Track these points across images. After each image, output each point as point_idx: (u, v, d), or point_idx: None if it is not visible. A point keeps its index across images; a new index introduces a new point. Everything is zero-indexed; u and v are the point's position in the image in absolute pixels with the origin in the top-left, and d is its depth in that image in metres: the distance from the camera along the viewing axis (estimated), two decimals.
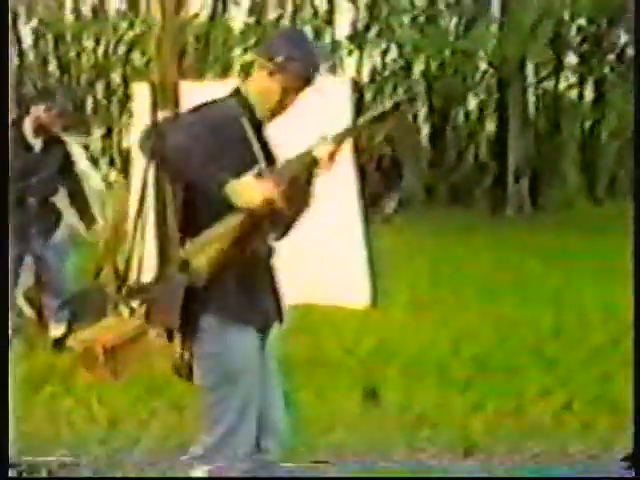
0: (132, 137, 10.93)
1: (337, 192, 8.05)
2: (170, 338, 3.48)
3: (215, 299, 3.32)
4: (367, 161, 21.49)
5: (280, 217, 3.37)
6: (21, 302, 8.86)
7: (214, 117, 3.32)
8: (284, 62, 3.37)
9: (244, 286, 3.36)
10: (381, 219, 20.34)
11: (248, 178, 3.21)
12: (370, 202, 21.11)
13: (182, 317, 3.31)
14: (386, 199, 21.50)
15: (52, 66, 30.07)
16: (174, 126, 3.40)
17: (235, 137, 3.33)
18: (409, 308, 8.92)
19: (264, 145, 3.45)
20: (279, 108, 3.46)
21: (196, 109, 3.40)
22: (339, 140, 3.37)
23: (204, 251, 3.26)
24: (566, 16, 23.27)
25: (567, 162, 30.94)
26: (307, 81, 3.43)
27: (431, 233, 16.78)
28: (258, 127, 3.44)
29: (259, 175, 3.26)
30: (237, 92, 3.46)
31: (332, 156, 3.34)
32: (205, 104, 3.40)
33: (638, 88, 9.31)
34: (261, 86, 3.43)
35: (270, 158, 3.45)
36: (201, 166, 3.17)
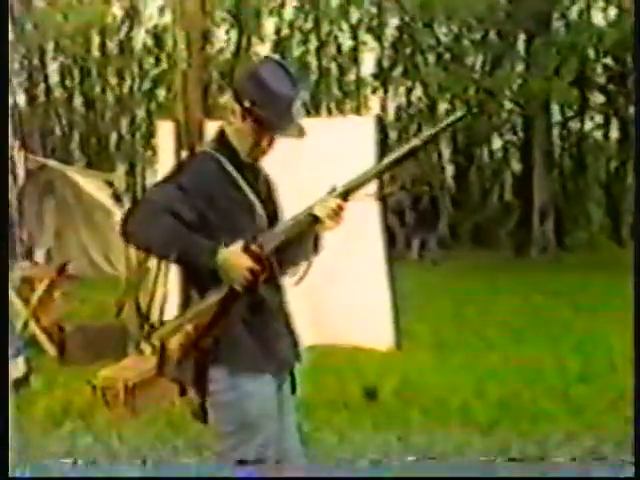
0: (156, 174, 11.01)
1: (361, 233, 8.10)
2: (183, 392, 3.43)
3: (225, 350, 3.28)
4: (402, 201, 21.65)
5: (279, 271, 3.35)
6: (42, 338, 8.94)
7: (196, 174, 3.26)
8: (250, 107, 3.29)
9: (255, 333, 3.32)
10: (430, 261, 20.49)
11: (235, 250, 3.16)
12: (406, 244, 21.39)
13: (194, 370, 3.28)
14: (423, 240, 21.60)
15: (77, 102, 30.30)
16: (150, 204, 3.26)
17: (223, 185, 3.29)
18: (433, 350, 8.91)
19: (256, 185, 3.40)
20: (257, 151, 3.38)
21: (177, 169, 3.40)
22: (347, 192, 3.28)
23: (175, 335, 3.24)
24: (591, 54, 23.29)
25: (592, 203, 30.88)
26: (275, 128, 3.32)
27: (455, 274, 16.77)
28: (247, 168, 3.38)
29: (251, 240, 3.21)
30: (222, 134, 3.40)
31: (336, 213, 3.26)
32: (185, 161, 3.44)
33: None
34: (236, 128, 3.36)
35: (265, 198, 3.43)
36: (188, 238, 3.14)
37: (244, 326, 3.30)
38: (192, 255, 3.16)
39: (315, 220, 3.27)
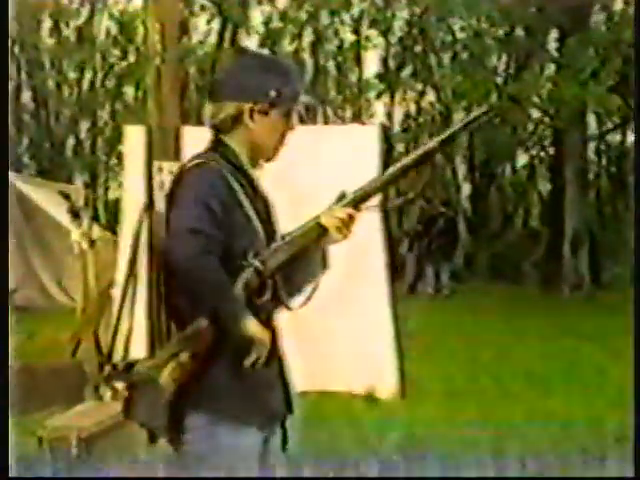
0: (122, 189, 11.07)
1: (362, 263, 8.18)
2: (153, 439, 3.50)
3: (205, 394, 3.33)
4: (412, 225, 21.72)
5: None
6: None
7: (213, 188, 3.33)
8: (275, 98, 3.46)
9: (241, 379, 3.34)
10: (441, 295, 20.55)
11: (255, 325, 3.24)
12: (413, 275, 21.41)
13: (168, 415, 3.31)
14: (436, 271, 21.66)
15: (26, 97, 30.21)
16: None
17: (228, 200, 3.36)
18: (442, 400, 8.95)
19: (258, 204, 3.49)
20: (275, 150, 3.55)
21: (190, 184, 3.38)
22: (357, 201, 3.41)
23: (168, 365, 3.27)
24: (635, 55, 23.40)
25: (634, 231, 30.91)
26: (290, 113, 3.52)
27: (470, 311, 16.82)
28: (248, 183, 3.48)
29: (254, 256, 3.33)
30: (220, 143, 3.50)
31: (345, 223, 3.39)
32: (190, 173, 3.39)
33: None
34: (244, 133, 3.48)
35: (266, 218, 3.50)
36: (226, 296, 3.22)
37: (229, 369, 3.33)
38: (221, 306, 3.22)
39: (322, 231, 3.39)
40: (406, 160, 3.47)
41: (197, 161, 3.42)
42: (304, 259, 3.43)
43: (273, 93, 3.45)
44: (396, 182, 3.55)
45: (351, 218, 3.40)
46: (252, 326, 3.22)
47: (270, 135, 3.50)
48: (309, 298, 3.50)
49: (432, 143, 3.47)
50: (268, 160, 3.55)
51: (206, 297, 3.21)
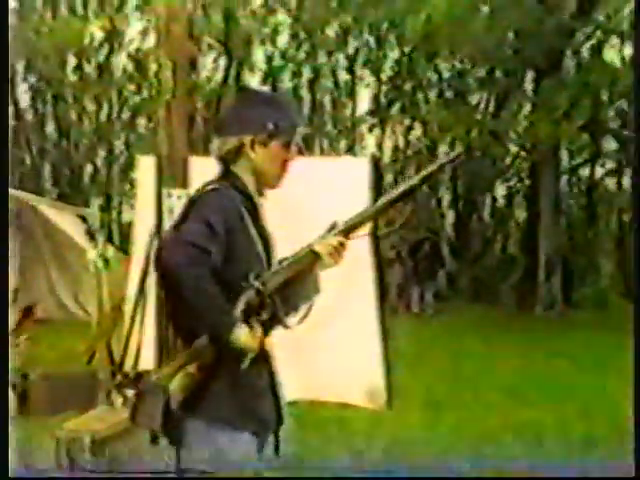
0: (134, 212, 11.08)
1: (352, 283, 8.17)
2: (154, 440, 3.53)
3: (203, 401, 3.35)
4: (398, 246, 21.72)
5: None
6: None
7: (219, 211, 3.35)
8: (274, 130, 3.49)
9: (236, 389, 3.39)
10: (426, 314, 20.54)
11: (245, 334, 3.29)
12: (399, 295, 21.40)
13: (166, 419, 3.34)
14: (421, 291, 21.67)
15: (50, 128, 30.22)
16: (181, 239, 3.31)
17: (236, 224, 3.39)
18: (426, 410, 8.94)
19: (261, 229, 3.53)
20: (278, 178, 3.57)
21: (197, 205, 3.42)
22: (348, 230, 3.46)
23: (177, 375, 3.31)
24: (604, 97, 23.45)
25: (603, 256, 30.96)
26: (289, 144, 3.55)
27: (452, 329, 16.82)
28: (254, 209, 3.52)
29: (255, 278, 3.37)
30: (229, 171, 3.53)
31: (337, 250, 3.43)
32: (201, 197, 3.43)
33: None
34: (248, 162, 3.51)
35: (267, 242, 3.54)
36: (215, 303, 3.24)
37: (225, 377, 3.37)
38: (211, 315, 3.25)
39: (316, 257, 3.43)
40: (391, 194, 3.51)
41: (211, 187, 3.46)
42: (299, 282, 3.46)
43: (271, 126, 3.49)
44: (383, 213, 3.59)
45: (342, 246, 3.44)
46: (242, 335, 3.26)
47: (271, 164, 3.53)
48: (304, 318, 3.51)
49: (414, 180, 3.53)
50: (272, 187, 3.58)
51: (194, 305, 3.22)
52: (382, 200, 3.52)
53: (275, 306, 3.40)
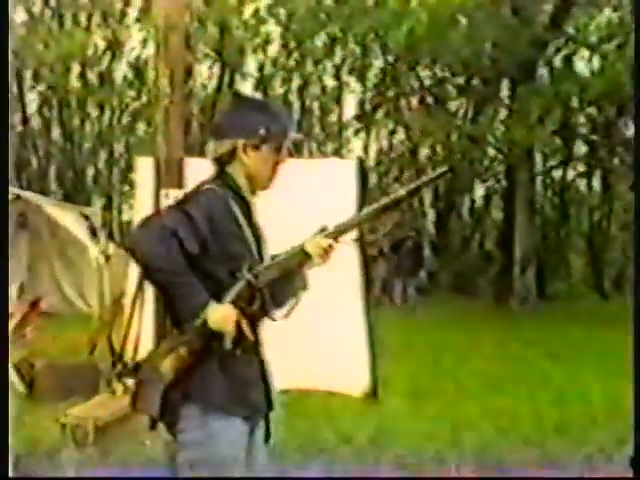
0: (133, 211, 11.05)
1: (339, 277, 8.15)
2: (153, 426, 3.50)
3: (197, 387, 3.36)
4: (382, 244, 21.74)
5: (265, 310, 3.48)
6: (11, 374, 8.89)
7: (203, 206, 3.36)
8: (265, 134, 3.49)
9: (228, 374, 3.40)
10: (408, 308, 20.54)
11: (224, 307, 3.31)
12: (383, 289, 21.42)
13: (163, 405, 3.35)
14: (403, 285, 21.68)
15: (55, 133, 30.17)
16: (156, 227, 3.32)
17: (226, 221, 3.40)
18: (408, 398, 8.93)
19: (254, 226, 3.54)
20: (268, 180, 3.56)
21: (185, 199, 3.44)
22: (337, 234, 3.47)
23: (169, 356, 3.32)
24: (575, 104, 23.52)
25: (574, 253, 31.06)
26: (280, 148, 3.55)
27: (433, 322, 16.83)
28: (247, 208, 3.52)
29: (248, 271, 3.39)
30: (223, 172, 3.53)
31: (326, 252, 3.45)
32: (192, 193, 3.45)
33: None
34: (241, 164, 3.51)
35: (259, 239, 3.55)
36: (188, 276, 3.26)
37: (218, 365, 3.38)
38: (183, 295, 3.28)
39: (306, 257, 3.44)
40: (379, 204, 3.53)
41: (206, 187, 3.46)
42: (288, 278, 3.49)
43: (262, 131, 3.48)
44: (370, 221, 3.64)
45: (331, 247, 3.45)
46: (211, 313, 3.28)
47: (263, 167, 3.52)
48: (290, 312, 3.54)
49: (401, 192, 3.53)
50: (264, 189, 3.58)
51: (164, 282, 3.28)
52: (369, 209, 3.54)
53: (264, 299, 3.42)
